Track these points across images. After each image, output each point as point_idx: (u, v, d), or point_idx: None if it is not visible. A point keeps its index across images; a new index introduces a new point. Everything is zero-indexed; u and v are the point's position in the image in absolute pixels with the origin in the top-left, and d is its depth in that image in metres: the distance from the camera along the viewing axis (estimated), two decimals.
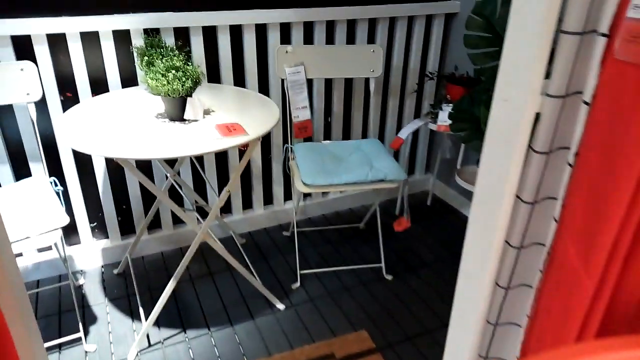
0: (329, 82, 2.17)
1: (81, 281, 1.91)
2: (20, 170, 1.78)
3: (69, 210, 1.89)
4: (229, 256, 1.68)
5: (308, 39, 2.05)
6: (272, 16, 1.91)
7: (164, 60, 1.38)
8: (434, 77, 2.30)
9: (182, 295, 1.84)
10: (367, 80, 2.22)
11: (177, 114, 1.45)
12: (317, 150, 1.91)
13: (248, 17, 1.86)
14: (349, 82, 2.21)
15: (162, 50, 1.52)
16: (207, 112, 1.55)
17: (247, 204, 2.26)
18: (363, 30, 2.11)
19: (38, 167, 1.76)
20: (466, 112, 1.88)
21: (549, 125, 0.87)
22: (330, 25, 2.06)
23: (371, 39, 2.17)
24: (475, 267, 1.02)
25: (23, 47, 1.62)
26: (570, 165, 0.80)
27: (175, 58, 1.40)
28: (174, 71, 1.37)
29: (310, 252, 2.10)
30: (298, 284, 1.91)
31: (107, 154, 1.26)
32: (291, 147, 1.93)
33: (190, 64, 1.42)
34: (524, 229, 0.98)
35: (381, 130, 2.41)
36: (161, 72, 1.37)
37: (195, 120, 1.48)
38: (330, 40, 2.09)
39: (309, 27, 2.03)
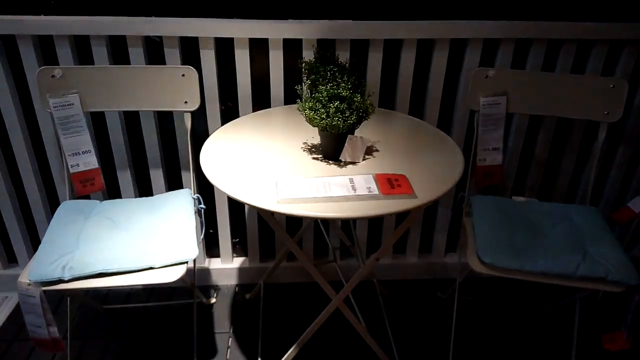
0: (535, 118, 1.66)
1: (213, 300, 1.79)
2: (173, 179, 1.71)
3: (213, 221, 1.77)
4: (371, 340, 1.35)
5: (518, 62, 1.57)
6: (474, 29, 1.48)
7: (328, 87, 1.09)
8: None
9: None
10: (590, 122, 1.64)
11: (333, 153, 1.16)
12: (505, 209, 1.44)
13: (442, 29, 1.47)
14: (563, 121, 1.66)
15: (331, 68, 1.24)
16: (368, 152, 1.22)
17: (399, 247, 1.90)
18: (598, 55, 1.54)
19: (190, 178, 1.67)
20: None
21: None
22: (553, 46, 1.55)
23: (609, 69, 1.58)
24: None
25: (187, 51, 1.50)
26: None
27: (342, 85, 1.10)
28: (337, 102, 1.07)
29: (470, 336, 1.64)
30: None
31: (243, 198, 1.02)
32: (468, 198, 1.49)
33: (358, 94, 1.10)
34: None
35: (597, 191, 1.79)
36: (322, 101, 1.08)
37: (353, 163, 1.17)
38: (549, 66, 1.58)
39: (522, 46, 1.55)
